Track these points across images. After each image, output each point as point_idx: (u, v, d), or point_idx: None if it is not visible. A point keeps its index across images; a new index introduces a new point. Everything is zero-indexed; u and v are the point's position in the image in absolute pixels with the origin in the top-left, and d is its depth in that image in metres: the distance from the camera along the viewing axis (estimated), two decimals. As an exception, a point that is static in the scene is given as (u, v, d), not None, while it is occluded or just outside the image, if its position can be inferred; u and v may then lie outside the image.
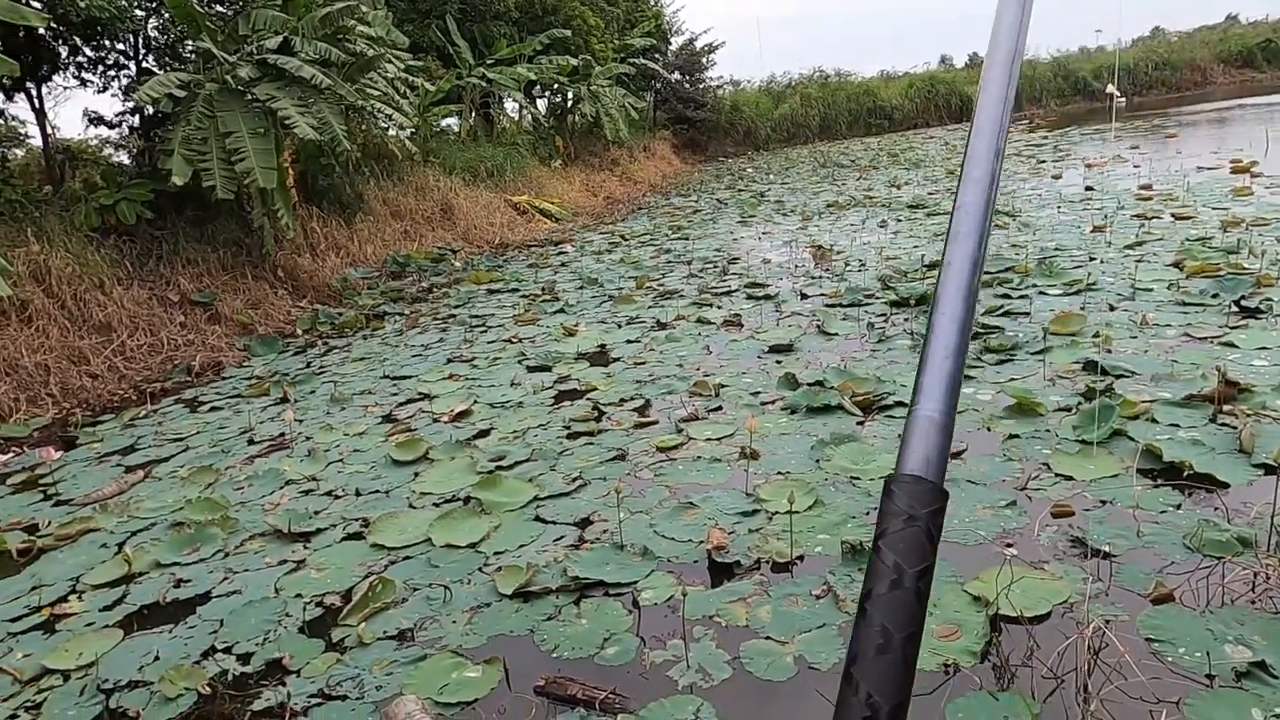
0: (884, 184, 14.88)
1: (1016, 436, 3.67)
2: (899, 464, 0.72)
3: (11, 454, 5.37)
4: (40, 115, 9.09)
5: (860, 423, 4.10)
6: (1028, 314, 5.51)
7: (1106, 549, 2.71)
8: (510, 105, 19.87)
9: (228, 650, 2.80)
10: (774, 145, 31.91)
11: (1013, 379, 4.37)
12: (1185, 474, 3.11)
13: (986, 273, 6.77)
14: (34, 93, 8.99)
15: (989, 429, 3.80)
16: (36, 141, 10.49)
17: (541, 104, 21.34)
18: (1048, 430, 3.68)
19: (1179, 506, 2.94)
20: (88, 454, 5.19)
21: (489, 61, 16.98)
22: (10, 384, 6.20)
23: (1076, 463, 3.32)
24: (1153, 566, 2.60)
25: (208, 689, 2.58)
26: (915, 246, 8.51)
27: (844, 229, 10.42)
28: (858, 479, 3.47)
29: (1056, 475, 3.27)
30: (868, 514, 3.17)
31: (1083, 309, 5.38)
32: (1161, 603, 2.42)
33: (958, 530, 2.96)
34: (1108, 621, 2.32)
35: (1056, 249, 7.40)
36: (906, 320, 5.75)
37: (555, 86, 20.14)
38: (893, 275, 7.17)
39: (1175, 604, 2.41)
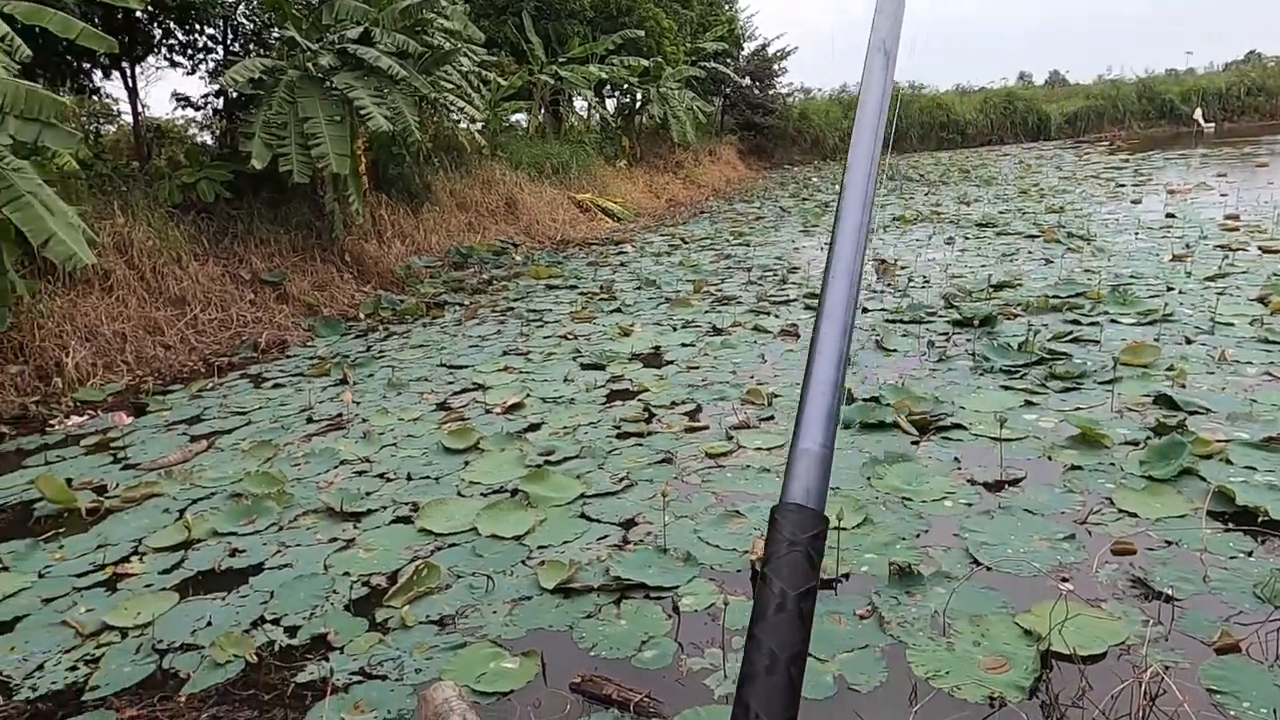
0: (953, 200, 14.57)
1: (1079, 468, 3.55)
2: (783, 494, 0.78)
3: (86, 416, 5.61)
4: (132, 94, 9.49)
5: (915, 442, 4.01)
6: (1098, 342, 5.33)
7: (1169, 592, 2.60)
8: (579, 103, 20.03)
9: (276, 622, 2.87)
10: (841, 155, 31.47)
11: (1078, 408, 4.22)
12: (1260, 520, 2.96)
13: (1055, 296, 6.58)
14: (128, 72, 9.38)
15: (1049, 458, 3.69)
16: (127, 119, 10.95)
17: (610, 103, 21.46)
18: (1113, 464, 3.55)
19: (1250, 553, 2.80)
20: (156, 421, 5.39)
21: (561, 59, 17.14)
22: (90, 350, 6.48)
23: (1142, 500, 3.20)
24: (1219, 614, 2.49)
25: (255, 658, 2.65)
26: (982, 265, 8.31)
27: (909, 244, 10.23)
28: (910, 500, 3.40)
29: (1120, 511, 3.15)
30: (919, 536, 3.11)
31: (1157, 340, 5.18)
32: (1226, 653, 2.31)
33: (1010, 560, 2.88)
34: (1167, 668, 2.22)
35: (1132, 276, 7.14)
36: (969, 340, 5.62)
37: (625, 87, 20.22)
38: (957, 294, 7.02)
39: (1241, 655, 2.30)
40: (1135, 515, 3.10)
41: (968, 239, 10.18)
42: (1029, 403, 4.38)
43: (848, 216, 0.91)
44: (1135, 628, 2.44)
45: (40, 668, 2.71)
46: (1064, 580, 2.73)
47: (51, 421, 5.52)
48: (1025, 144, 30.65)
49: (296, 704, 2.43)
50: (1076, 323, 5.84)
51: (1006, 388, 4.63)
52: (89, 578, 3.29)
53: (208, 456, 4.62)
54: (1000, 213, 12.31)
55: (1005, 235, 10.21)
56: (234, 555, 3.39)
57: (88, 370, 6.33)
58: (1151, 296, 6.34)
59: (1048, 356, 5.05)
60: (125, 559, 3.43)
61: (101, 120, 12.55)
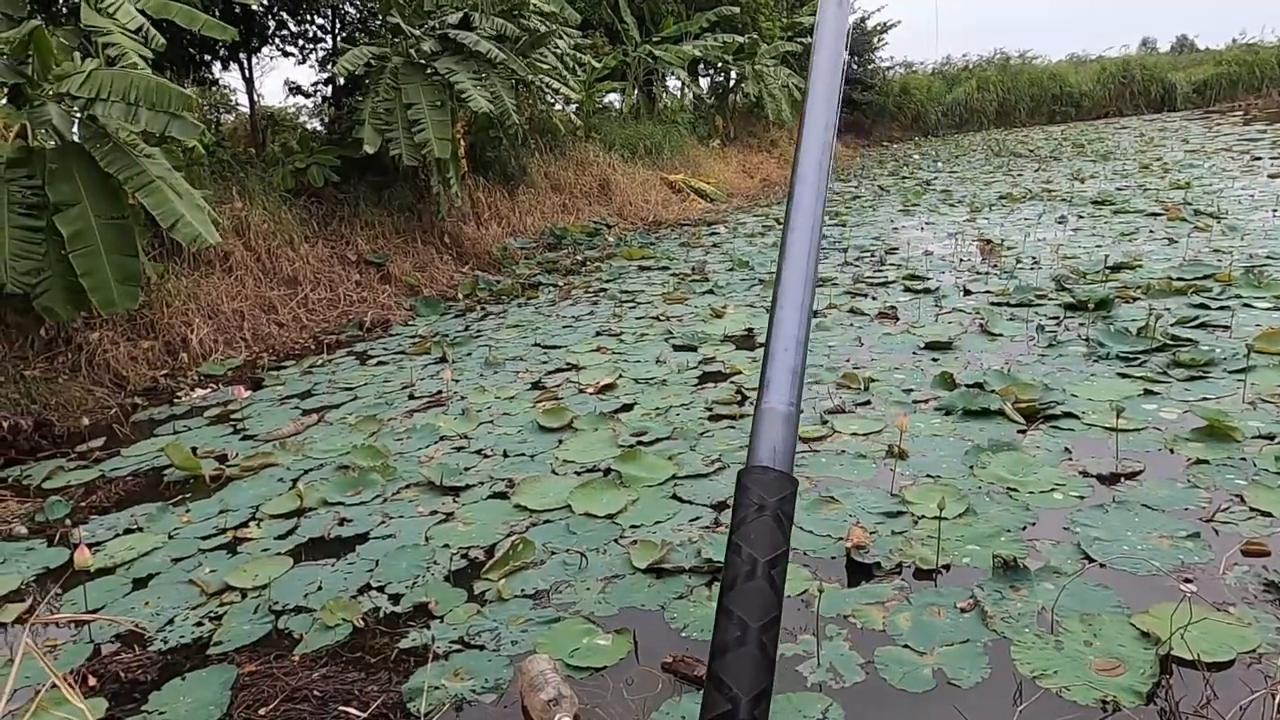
0: (1065, 177, 13.80)
1: (1205, 462, 3.32)
2: (749, 457, 0.75)
3: (210, 389, 5.98)
4: (249, 84, 9.98)
5: (1022, 431, 3.84)
6: (1228, 328, 4.96)
7: (1308, 598, 2.41)
8: (673, 83, 19.88)
9: (381, 589, 3.00)
10: (944, 131, 30.29)
11: (1205, 398, 3.95)
12: None
13: (1180, 279, 6.15)
14: (244, 63, 9.87)
15: (1172, 451, 3.46)
16: (244, 108, 11.53)
17: (704, 82, 21.25)
18: (1243, 459, 3.31)
19: (1404, 560, 2.56)
20: (271, 395, 5.70)
21: (655, 39, 17.05)
22: (212, 326, 6.90)
23: (1278, 498, 2.96)
24: (1365, 625, 2.28)
25: (361, 622, 2.77)
26: (1098, 246, 7.85)
27: (1017, 223, 9.76)
28: (1015, 490, 3.26)
29: (1251, 509, 2.93)
30: (1024, 529, 2.98)
31: (1297, 326, 4.77)
32: (1374, 667, 2.12)
33: (1127, 557, 2.72)
34: (1304, 680, 2.06)
35: (1269, 257, 6.60)
36: (1082, 325, 5.32)
37: (719, 65, 19.96)
38: (1069, 276, 6.65)
39: (1392, 671, 2.11)
40: (1270, 515, 2.88)
41: (1081, 218, 9.63)
42: (1149, 392, 4.12)
43: (806, 164, 0.89)
44: (1268, 635, 2.27)
45: (171, 622, 2.91)
46: (1187, 581, 2.57)
47: (178, 394, 5.91)
48: (1147, 116, 28.67)
49: (400, 669, 2.54)
50: (1204, 307, 5.44)
51: (1124, 375, 4.37)
52: (212, 540, 3.52)
53: (318, 429, 4.86)
54: (1118, 189, 11.58)
55: (1124, 213, 9.60)
56: (342, 524, 3.56)
57: (210, 346, 6.74)
58: (1291, 279, 5.85)
59: (1171, 343, 4.74)
60: (244, 524, 3.64)
61: (221, 110, 13.27)
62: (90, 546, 3.36)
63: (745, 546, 0.70)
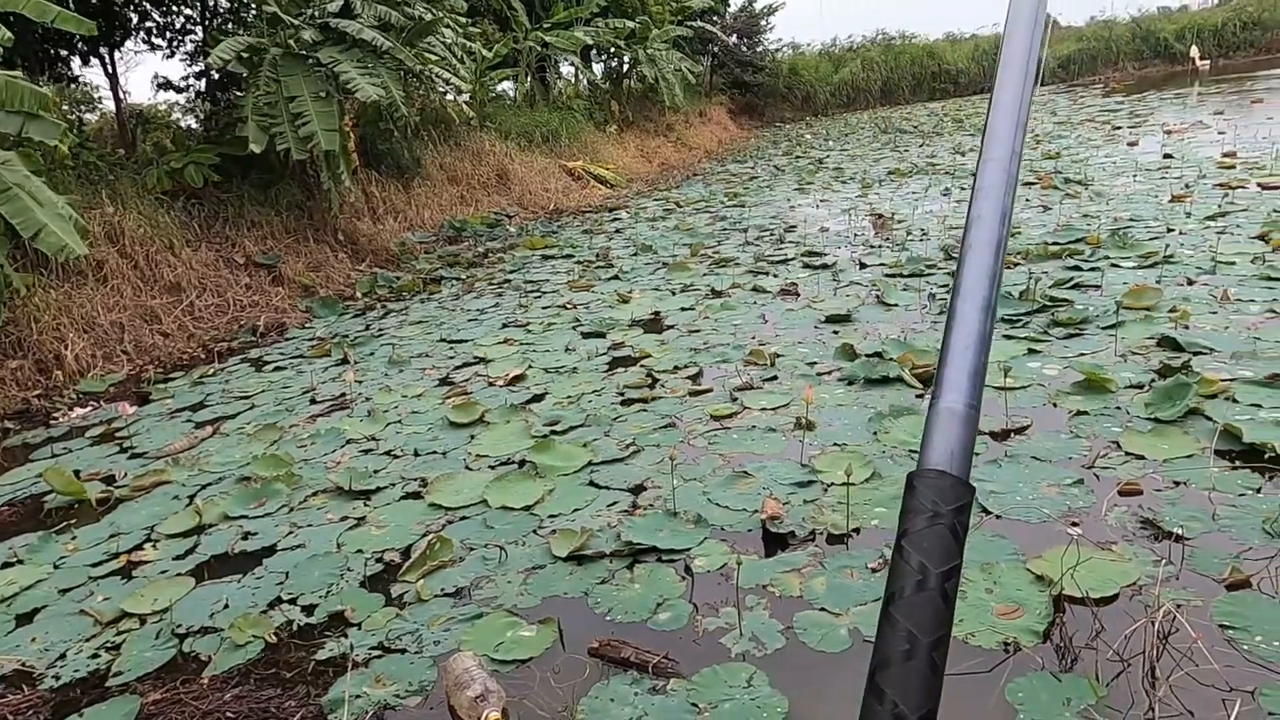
0: (948, 151, 14.43)
1: (1085, 413, 3.55)
2: (921, 458, 0.69)
3: (90, 408, 5.61)
4: (113, 80, 9.36)
5: (920, 395, 4.01)
6: (1099, 287, 5.30)
7: (1179, 531, 2.61)
8: (566, 69, 19.75)
9: (293, 601, 2.89)
10: (833, 110, 31.19)
11: (1082, 354, 4.22)
12: (1266, 456, 2.97)
13: (1055, 243, 6.54)
14: (106, 58, 9.24)
15: (1055, 405, 3.69)
16: (109, 106, 10.81)
17: (598, 68, 21.18)
18: (1118, 408, 3.55)
19: (1259, 490, 2.81)
20: (160, 409, 5.39)
21: (546, 25, 16.87)
22: (88, 340, 6.46)
23: (1149, 442, 3.20)
24: (1228, 551, 2.50)
25: (274, 638, 2.67)
26: (980, 216, 8.24)
27: (905, 197, 10.15)
28: (917, 452, 3.40)
29: (1127, 454, 3.16)
30: (926, 488, 3.11)
31: (1158, 283, 5.15)
32: (1237, 589, 2.33)
33: (1020, 506, 2.89)
34: (1179, 606, 2.24)
35: (1131, 220, 7.09)
36: (970, 291, 5.58)
37: (612, 50, 19.93)
38: (956, 245, 6.97)
39: (1252, 590, 2.32)
40: (1143, 458, 3.11)
41: (964, 189, 10.09)
42: (1032, 351, 4.37)
43: (994, 150, 0.82)
44: (1146, 568, 2.46)
45: (62, 656, 2.73)
46: (1074, 525, 2.74)
47: (55, 415, 5.52)
48: (1019, 90, 30.23)
49: (318, 681, 2.46)
50: (1077, 269, 5.81)
51: (1009, 337, 4.62)
52: (104, 567, 3.31)
53: (213, 442, 4.63)
54: (996, 161, 12.17)
55: (1002, 184, 10.10)
56: (246, 538, 3.41)
57: (88, 362, 6.32)
58: (1152, 239, 6.30)
59: (1049, 304, 5.03)
60: (138, 546, 3.45)
61: (83, 108, 12.39)
62: (-36, 584, 3.12)
63: (916, 554, 0.65)
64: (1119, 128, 14.39)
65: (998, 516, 2.86)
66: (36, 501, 4.09)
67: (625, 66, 21.12)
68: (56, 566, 3.37)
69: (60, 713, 2.45)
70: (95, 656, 2.72)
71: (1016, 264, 6.15)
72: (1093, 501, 2.87)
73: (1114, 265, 5.76)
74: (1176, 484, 2.91)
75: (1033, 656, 2.18)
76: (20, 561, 3.44)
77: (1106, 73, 30.65)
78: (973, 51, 32.47)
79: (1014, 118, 0.82)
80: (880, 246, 7.50)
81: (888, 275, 6.39)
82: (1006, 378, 3.86)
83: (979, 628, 2.30)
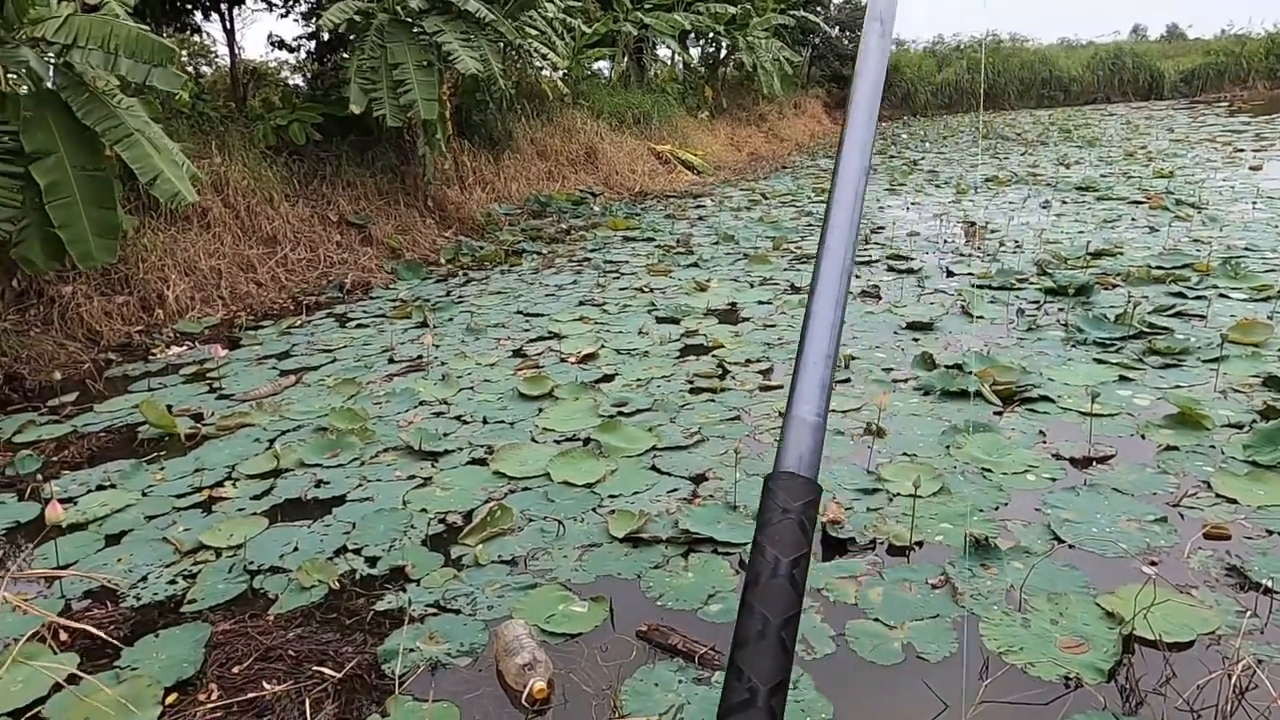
0: (1051, 161, 13.85)
1: (1175, 449, 3.37)
2: (776, 462, 0.78)
3: (185, 347, 5.91)
4: (230, 36, 9.75)
5: (999, 413, 3.88)
6: (1203, 317, 5.02)
7: (1268, 584, 2.47)
8: (663, 52, 19.67)
9: (357, 551, 3.00)
10: (932, 111, 30.29)
11: (1178, 386, 4.01)
12: (1374, 514, 2.77)
13: (1159, 267, 6.22)
14: (225, 14, 9.63)
15: (1143, 437, 3.52)
16: (224, 61, 11.27)
17: (695, 52, 21.02)
18: (1212, 446, 3.37)
19: (1362, 549, 2.63)
20: (248, 355, 5.64)
21: (647, 6, 16.82)
22: (188, 284, 6.79)
23: (1243, 485, 3.03)
24: (1321, 610, 2.35)
25: (337, 584, 2.77)
26: (1080, 232, 7.91)
27: (1001, 206, 9.80)
28: (989, 471, 3.30)
29: (1218, 496, 2.99)
30: (997, 509, 3.02)
31: (1270, 318, 4.85)
32: (1327, 651, 2.19)
33: (1095, 539, 2.78)
34: (1260, 661, 2.12)
35: (1246, 249, 6.68)
36: (1062, 310, 5.37)
37: (710, 35, 19.75)
38: (1051, 260, 6.70)
39: (1344, 654, 2.17)
40: (1235, 501, 2.94)
41: (1065, 203, 9.69)
42: (1124, 378, 4.17)
43: (843, 186, 0.92)
44: (1228, 618, 2.33)
45: (144, 579, 2.90)
46: (1152, 564, 2.62)
47: (153, 350, 5.83)
48: (1134, 103, 28.79)
49: (375, 631, 2.54)
50: (1181, 296, 5.51)
51: (1100, 361, 4.43)
52: (187, 499, 3.49)
53: (295, 391, 4.81)
54: (1102, 176, 11.65)
55: (1107, 200, 9.67)
56: (319, 486, 3.54)
57: (186, 303, 6.65)
58: (1268, 271, 5.93)
59: (1147, 330, 4.80)
60: (219, 483, 3.62)
61: (200, 61, 12.95)
62: (62, 502, 3.34)
63: (770, 547, 0.73)
64: (1242, 150, 13.56)
65: (1070, 546, 2.76)
66: (131, 431, 4.33)
67: (723, 52, 20.91)
68: (145, 494, 3.57)
69: (138, 631, 2.60)
70: (173, 583, 2.87)
71: (1115, 285, 5.87)
72: (1175, 541, 2.73)
73: (1222, 295, 5.45)
74: (1270, 533, 2.75)
75: (1094, 695, 2.10)
76: (113, 485, 3.66)
77: (1234, 90, 28.86)
78: (1089, 60, 31.00)
79: (859, 165, 0.93)
80: (970, 255, 7.26)
81: (975, 286, 6.19)
82: (1093, 404, 3.70)
83: (1039, 658, 2.22)
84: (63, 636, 2.52)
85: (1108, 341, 4.70)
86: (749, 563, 0.73)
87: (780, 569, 0.72)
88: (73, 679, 2.25)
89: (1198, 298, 5.43)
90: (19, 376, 4.96)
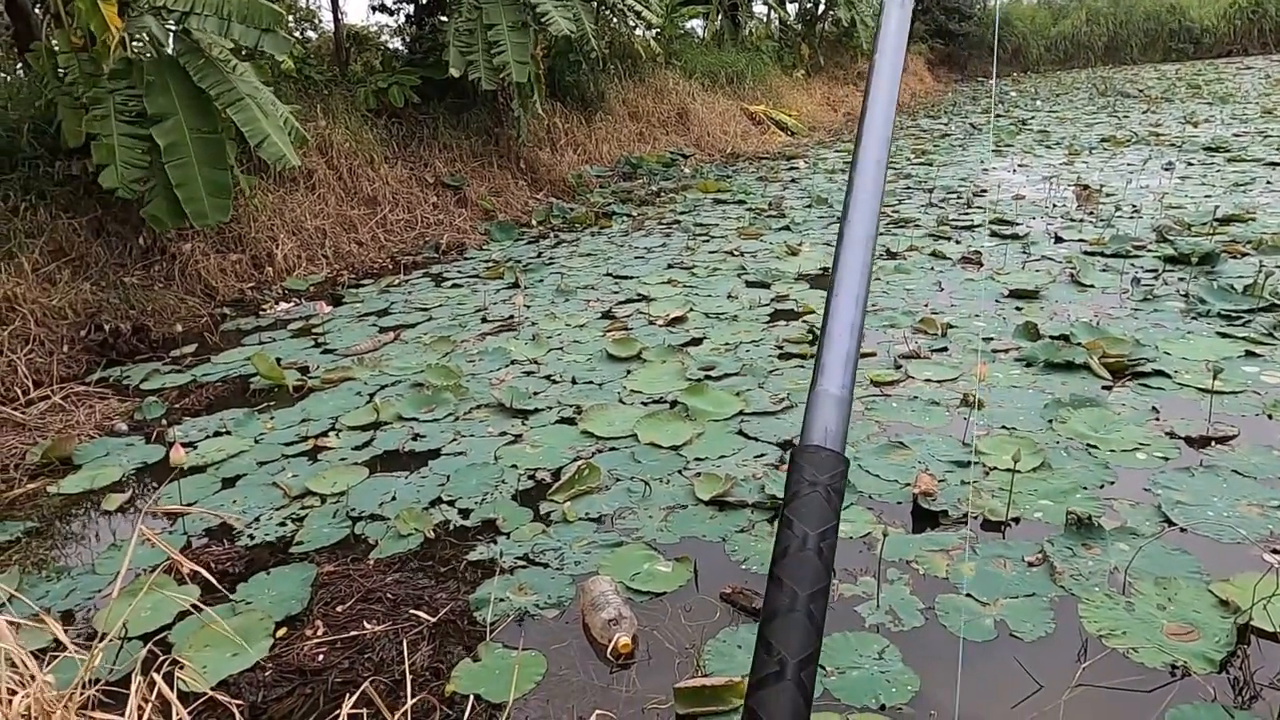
0: (1177, 120, 12.89)
1: (1306, 430, 3.13)
2: (802, 436, 0.79)
3: (293, 303, 6.19)
4: (334, 1, 10.00)
5: (1108, 387, 3.68)
6: (1346, 289, 4.61)
7: None
8: (759, 9, 19.16)
9: (451, 503, 3.11)
10: (1045, 67, 28.57)
11: (1313, 363, 3.71)
12: None
13: (1297, 235, 5.72)
14: (330, -21, 9.88)
15: (1270, 416, 3.28)
16: (328, 26, 11.59)
17: (792, 9, 20.38)
18: (1350, 429, 3.11)
19: None
20: (350, 312, 5.87)
21: (743, -40, 16.36)
22: (295, 243, 7.10)
23: (1384, 472, 2.79)
24: None
25: (433, 533, 2.89)
26: (1207, 196, 7.35)
27: (1118, 169, 9.20)
28: (1095, 448, 3.15)
29: (1354, 483, 2.77)
30: (1102, 487, 2.88)
31: None
32: None
33: (1211, 522, 2.62)
34: (1395, 661, 1.97)
35: (1400, 215, 6.08)
36: (1182, 280, 5.03)
37: (809, -11, 19.09)
38: (1172, 227, 6.26)
39: None
40: (1373, 489, 2.72)
41: (1191, 165, 9.01)
42: (1251, 353, 3.89)
43: (866, 156, 0.89)
44: (1359, 613, 2.17)
45: (256, 520, 3.09)
46: (1275, 551, 2.46)
47: (264, 306, 6.14)
48: (1277, 55, 26.38)
49: (467, 580, 2.64)
50: (1321, 266, 5.07)
51: (1224, 335, 4.13)
52: (295, 447, 3.69)
53: (394, 347, 4.99)
54: (1235, 135, 10.77)
55: (1239, 162, 8.94)
56: (415, 439, 3.68)
57: (294, 262, 6.96)
58: None
59: (1278, 303, 4.44)
60: (324, 434, 3.80)
61: (306, 25, 13.37)
62: (184, 446, 3.57)
63: (797, 520, 0.74)
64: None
65: (1182, 529, 2.61)
66: (244, 382, 4.59)
67: (820, 8, 20.20)
68: (256, 441, 3.79)
69: (252, 568, 2.77)
70: (283, 525, 3.05)
71: (1245, 254, 5.45)
72: (1302, 529, 2.55)
73: (1370, 266, 4.98)
74: None
75: (1203, 685, 1.99)
76: (228, 433, 3.90)
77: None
78: (1226, 9, 28.47)
79: (882, 133, 0.90)
80: (1082, 221, 6.86)
81: (1086, 253, 5.86)
82: (1215, 380, 3.47)
83: (1144, 644, 2.13)
84: (185, 570, 2.72)
85: (1233, 314, 4.38)
86: (776, 536, 0.73)
87: (808, 542, 0.72)
88: (196, 608, 2.43)
89: (1340, 268, 4.99)
90: (145, 328, 5.32)
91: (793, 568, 0.72)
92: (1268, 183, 7.75)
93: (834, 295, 0.84)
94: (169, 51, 5.74)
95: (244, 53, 6.50)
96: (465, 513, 3.04)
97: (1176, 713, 1.91)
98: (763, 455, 3.30)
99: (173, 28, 5.76)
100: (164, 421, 4.10)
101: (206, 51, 5.65)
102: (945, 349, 4.28)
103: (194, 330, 5.63)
